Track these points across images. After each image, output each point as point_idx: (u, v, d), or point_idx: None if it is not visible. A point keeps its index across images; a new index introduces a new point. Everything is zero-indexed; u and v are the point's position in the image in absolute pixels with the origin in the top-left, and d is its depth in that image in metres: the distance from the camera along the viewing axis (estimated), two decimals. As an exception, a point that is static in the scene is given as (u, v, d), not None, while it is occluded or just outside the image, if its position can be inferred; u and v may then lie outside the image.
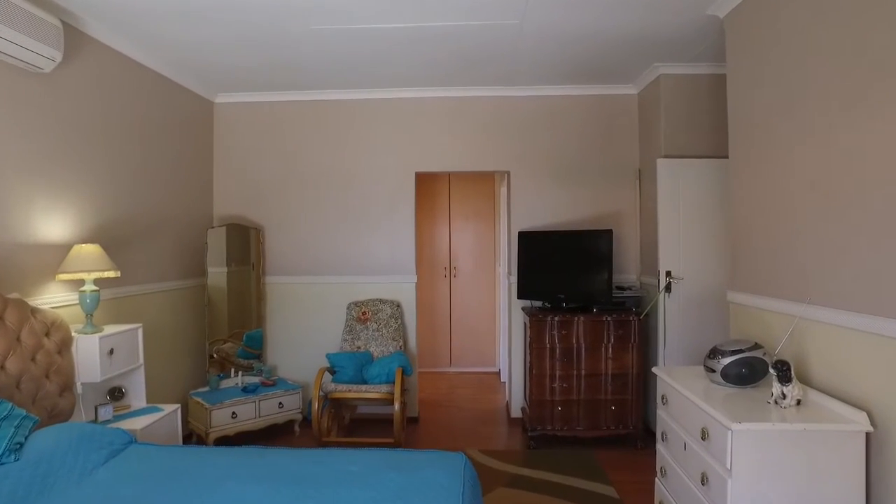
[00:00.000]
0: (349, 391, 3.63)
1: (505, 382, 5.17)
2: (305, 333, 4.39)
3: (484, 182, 5.93)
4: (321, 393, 3.62)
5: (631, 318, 3.69)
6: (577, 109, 4.29)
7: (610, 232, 3.74)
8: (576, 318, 3.72)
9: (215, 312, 4.29)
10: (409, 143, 4.36)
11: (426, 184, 5.92)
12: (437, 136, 4.35)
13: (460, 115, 4.34)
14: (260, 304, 4.38)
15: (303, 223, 4.41)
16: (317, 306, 4.38)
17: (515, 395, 4.34)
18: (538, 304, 4.13)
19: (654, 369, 2.48)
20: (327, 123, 4.39)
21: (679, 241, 3.62)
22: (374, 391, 3.63)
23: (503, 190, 5.47)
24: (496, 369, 5.96)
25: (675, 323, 3.62)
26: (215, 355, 4.36)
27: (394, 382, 3.62)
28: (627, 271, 4.23)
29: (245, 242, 4.39)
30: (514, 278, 4.24)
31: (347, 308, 4.26)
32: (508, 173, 4.39)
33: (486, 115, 4.33)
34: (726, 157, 3.60)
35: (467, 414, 4.59)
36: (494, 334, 5.96)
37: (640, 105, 4.20)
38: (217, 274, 4.27)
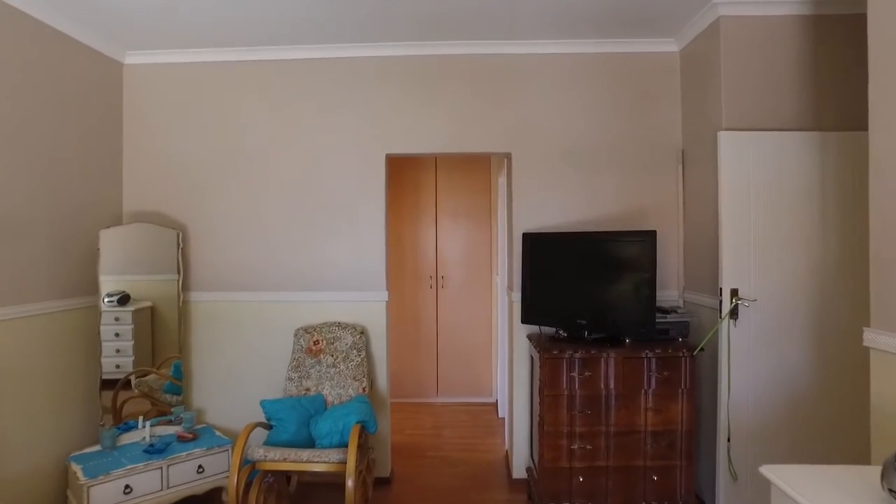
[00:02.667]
0: (285, 460, 2.56)
1: (504, 419, 4.14)
2: (242, 368, 3.33)
3: (478, 171, 4.88)
4: (246, 461, 2.57)
5: (681, 355, 2.66)
6: (599, 72, 3.25)
7: (653, 235, 2.69)
8: (604, 355, 2.67)
9: (140, 335, 3.27)
10: (377, 117, 3.30)
11: (405, 172, 4.87)
12: (414, 107, 3.30)
13: (445, 80, 3.29)
14: (181, 329, 3.31)
15: (238, 223, 3.34)
16: (256, 332, 3.32)
17: (518, 445, 3.29)
18: (549, 330, 3.08)
19: (765, 471, 1.43)
20: (270, 92, 3.33)
21: (751, 248, 2.58)
22: (320, 459, 2.57)
23: (502, 181, 4.43)
24: (493, 400, 4.91)
25: (744, 363, 2.58)
26: (136, 390, 3.33)
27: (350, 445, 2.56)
28: (667, 286, 3.19)
29: (168, 246, 3.32)
30: (518, 295, 3.20)
31: (295, 335, 3.20)
32: (509, 156, 3.34)
33: (479, 79, 3.28)
34: (825, 129, 2.61)
35: (456, 470, 3.53)
36: (490, 357, 4.91)
37: (685, 64, 3.16)
38: (138, 284, 3.23)
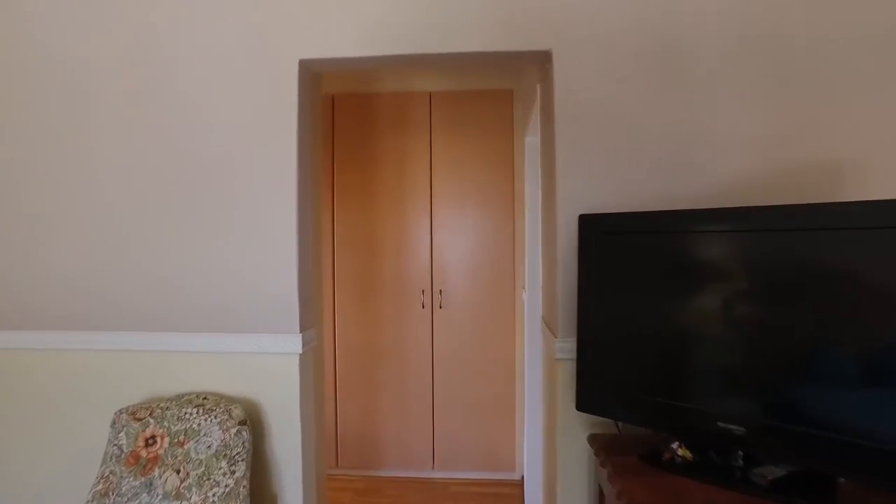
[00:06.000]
0: None
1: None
2: (31, 474, 1.75)
3: (494, 130, 3.17)
4: None
5: None
6: None
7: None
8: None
9: None
10: (285, -11, 1.67)
11: (382, 135, 3.23)
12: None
13: None
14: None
15: (30, 207, 1.75)
16: (59, 407, 1.73)
17: None
18: (638, 430, 1.40)
19: None
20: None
21: None
22: None
23: (531, 141, 2.76)
24: (516, 477, 3.24)
25: None
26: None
27: None
28: None
29: None
30: (568, 346, 1.52)
31: (113, 425, 1.59)
32: (547, 60, 1.65)
33: None
34: None
35: None
36: (514, 413, 3.23)
37: None
38: None
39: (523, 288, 3.03)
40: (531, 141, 2.76)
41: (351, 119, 3.24)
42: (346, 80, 3.24)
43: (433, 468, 3.28)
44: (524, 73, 3.02)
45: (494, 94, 3.16)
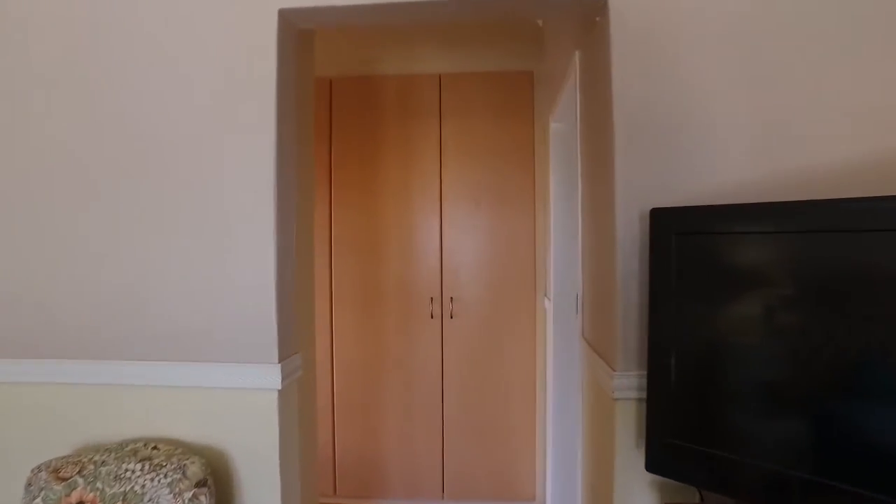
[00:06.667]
0: None
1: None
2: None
3: (512, 117, 2.80)
4: None
5: None
6: None
7: None
8: None
9: None
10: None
11: (386, 125, 2.87)
12: None
13: None
14: None
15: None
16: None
17: None
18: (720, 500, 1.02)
19: None
20: None
21: None
22: None
23: (557, 127, 2.39)
24: (537, 508, 2.88)
25: None
26: None
27: None
28: None
29: None
30: (631, 380, 1.15)
31: (28, 486, 1.22)
32: (604, 8, 1.28)
33: None
34: None
35: None
36: (534, 435, 2.86)
37: None
38: None
39: (546, 295, 2.66)
40: (557, 127, 2.39)
41: (351, 105, 2.88)
42: (345, 62, 2.88)
43: (443, 497, 2.92)
44: (546, 53, 2.65)
45: (512, 75, 2.79)
